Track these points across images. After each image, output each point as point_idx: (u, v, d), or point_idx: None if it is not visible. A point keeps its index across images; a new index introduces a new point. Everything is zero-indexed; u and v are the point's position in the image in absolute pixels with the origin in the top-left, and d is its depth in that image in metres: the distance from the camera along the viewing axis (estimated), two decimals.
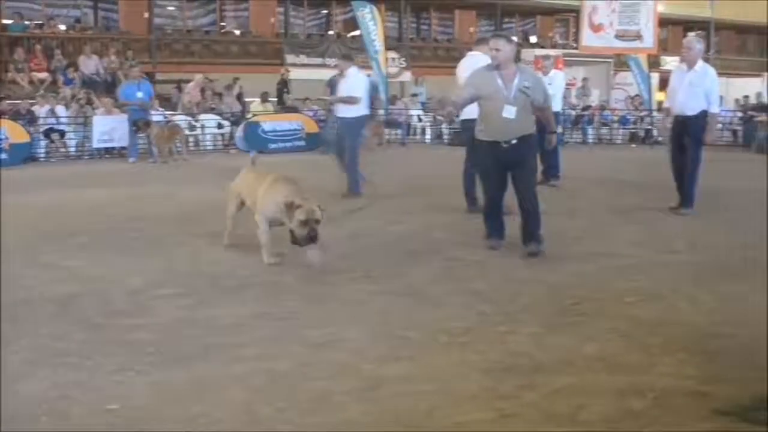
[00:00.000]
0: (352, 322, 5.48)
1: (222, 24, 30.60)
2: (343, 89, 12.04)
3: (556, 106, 13.95)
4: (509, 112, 7.34)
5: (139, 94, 17.72)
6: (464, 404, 4.07)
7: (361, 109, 11.92)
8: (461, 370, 4.55)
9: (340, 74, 12.32)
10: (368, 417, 3.91)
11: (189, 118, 20.77)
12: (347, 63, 12.29)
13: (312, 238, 6.68)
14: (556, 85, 14.01)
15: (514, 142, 7.43)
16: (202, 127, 21.15)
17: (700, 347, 4.92)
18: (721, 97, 15.56)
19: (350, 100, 11.80)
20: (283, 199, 6.79)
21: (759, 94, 26.60)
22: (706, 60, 10.78)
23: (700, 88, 9.98)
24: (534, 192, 7.58)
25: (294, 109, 22.90)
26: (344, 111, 11.95)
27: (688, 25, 38.43)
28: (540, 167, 13.03)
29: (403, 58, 30.93)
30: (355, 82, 11.98)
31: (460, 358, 4.75)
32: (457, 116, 9.47)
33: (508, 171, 7.57)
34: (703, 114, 9.99)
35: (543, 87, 7.79)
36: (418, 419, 3.88)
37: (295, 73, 26.21)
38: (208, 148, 20.98)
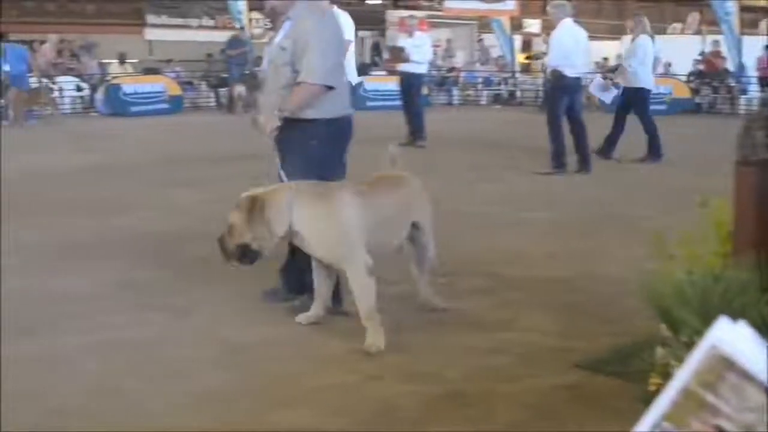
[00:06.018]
0: (211, 288, 5.31)
1: None
2: None
3: (423, 68, 14.14)
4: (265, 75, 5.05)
5: None
6: (329, 367, 4.01)
7: None
8: (321, 335, 4.48)
9: None
10: (230, 385, 3.81)
11: (45, 80, 19.81)
12: None
13: None
14: (425, 47, 14.14)
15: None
16: (60, 89, 20.22)
17: (559, 302, 4.99)
18: None
19: None
20: None
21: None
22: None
23: None
24: None
25: (156, 71, 22.24)
26: None
27: None
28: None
29: (268, 19, 30.40)
30: None
31: (323, 322, 4.67)
32: None
33: None
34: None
35: (311, 49, 4.65)
36: (282, 384, 3.80)
37: (156, 34, 25.51)
38: (66, 111, 20.06)
